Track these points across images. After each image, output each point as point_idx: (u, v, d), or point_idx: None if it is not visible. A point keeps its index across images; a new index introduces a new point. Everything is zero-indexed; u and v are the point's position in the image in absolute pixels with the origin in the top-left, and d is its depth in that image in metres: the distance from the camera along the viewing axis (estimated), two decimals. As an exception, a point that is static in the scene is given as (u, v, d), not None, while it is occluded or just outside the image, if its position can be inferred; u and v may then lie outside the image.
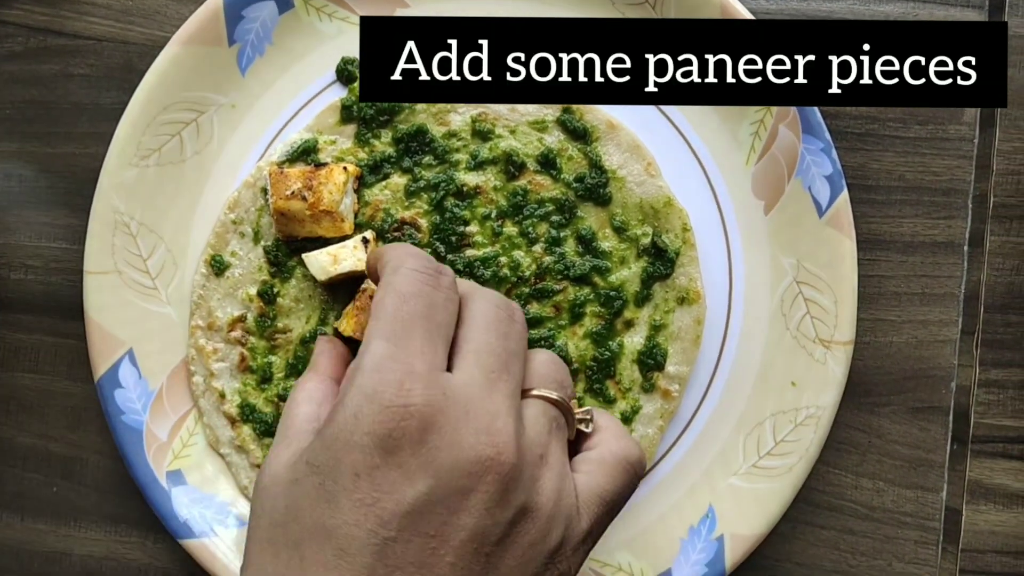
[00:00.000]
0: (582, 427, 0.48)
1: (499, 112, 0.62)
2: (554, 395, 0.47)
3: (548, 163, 0.61)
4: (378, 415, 0.41)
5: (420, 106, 0.62)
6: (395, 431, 0.41)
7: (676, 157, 0.62)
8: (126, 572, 0.64)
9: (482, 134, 0.62)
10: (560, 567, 0.44)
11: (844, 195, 0.59)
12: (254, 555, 0.43)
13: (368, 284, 0.59)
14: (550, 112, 0.62)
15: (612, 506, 0.47)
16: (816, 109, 0.59)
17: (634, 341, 0.61)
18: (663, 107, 0.62)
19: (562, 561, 0.44)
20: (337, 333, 0.60)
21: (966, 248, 0.63)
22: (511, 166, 0.61)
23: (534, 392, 0.47)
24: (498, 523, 0.41)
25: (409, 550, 0.40)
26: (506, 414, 0.43)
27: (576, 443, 0.49)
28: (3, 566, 0.65)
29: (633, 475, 0.47)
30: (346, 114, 0.62)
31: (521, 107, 0.62)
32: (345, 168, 0.60)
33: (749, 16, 0.60)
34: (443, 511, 0.41)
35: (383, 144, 0.62)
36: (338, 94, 0.63)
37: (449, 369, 0.45)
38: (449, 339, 0.46)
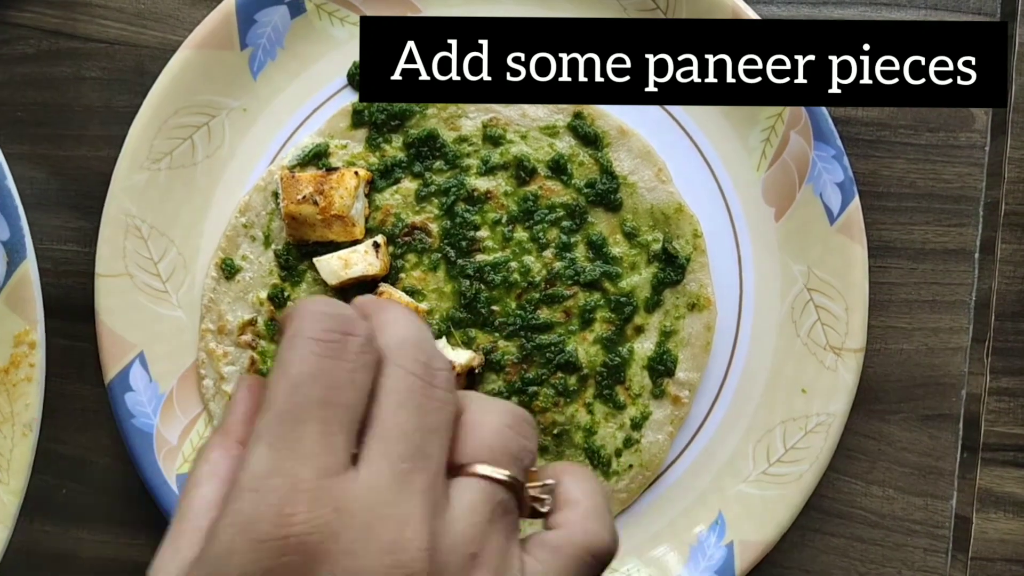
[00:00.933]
0: (538, 506, 0.39)
1: (510, 117, 0.62)
2: (500, 474, 0.37)
3: (559, 168, 0.61)
4: (252, 552, 0.33)
5: (431, 111, 0.62)
6: (274, 570, 0.33)
7: (687, 163, 0.62)
8: (134, 574, 0.64)
9: (493, 139, 0.62)
10: None
11: (855, 202, 0.59)
12: None
13: (383, 287, 0.59)
14: (561, 118, 0.62)
15: None
16: (827, 116, 0.59)
17: (644, 347, 0.61)
18: (674, 112, 0.62)
19: None
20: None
21: (977, 256, 0.63)
22: (522, 171, 0.61)
23: (475, 469, 0.37)
24: None
25: None
26: (419, 519, 0.34)
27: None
28: (12, 567, 0.65)
29: (596, 569, 0.38)
30: (357, 119, 0.62)
31: (532, 112, 0.62)
32: (356, 173, 0.60)
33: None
34: None
35: (394, 149, 0.62)
36: (349, 98, 0.63)
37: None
38: (356, 422, 0.36)
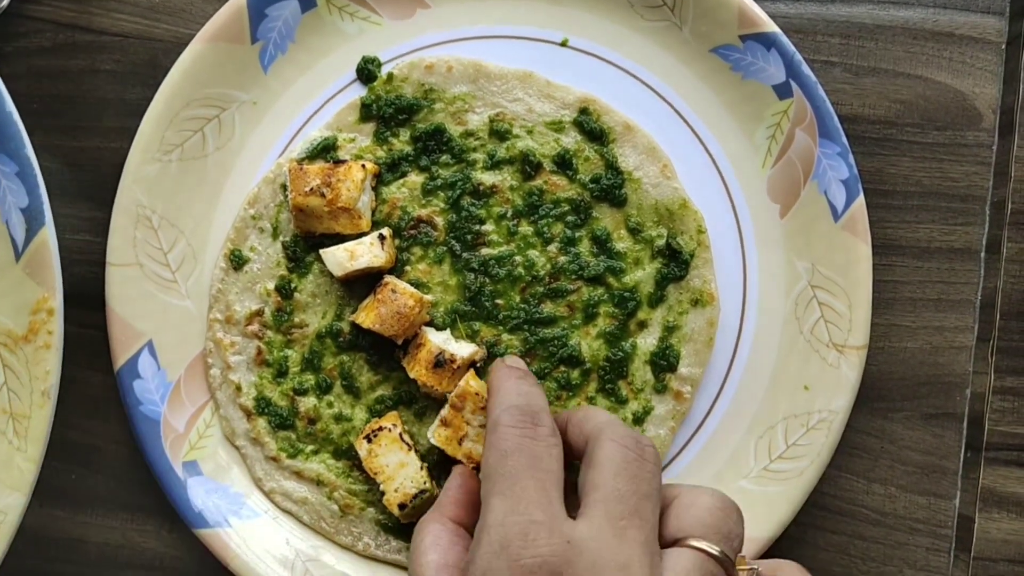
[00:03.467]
0: None
1: (516, 112, 0.62)
2: (714, 549, 0.43)
3: (564, 163, 0.62)
4: (508, 569, 0.42)
5: (438, 105, 0.62)
6: None
7: (692, 160, 0.62)
8: (141, 560, 0.65)
9: (499, 134, 0.62)
10: None
11: (860, 200, 0.59)
12: None
13: (388, 278, 0.60)
14: (567, 113, 0.62)
15: None
16: (833, 113, 0.59)
17: (647, 342, 0.61)
18: (680, 109, 0.62)
19: None
20: (355, 326, 0.60)
21: (983, 255, 0.62)
22: (527, 166, 0.62)
23: (689, 541, 0.44)
24: None
25: None
26: (638, 563, 0.42)
27: None
28: (21, 551, 0.66)
29: None
30: (365, 113, 0.63)
31: (538, 107, 0.62)
32: (363, 166, 0.60)
33: (767, 19, 0.60)
34: None
35: (401, 142, 0.62)
36: (358, 93, 0.63)
37: (575, 517, 0.44)
38: (560, 485, 0.46)
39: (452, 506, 0.52)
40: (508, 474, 0.45)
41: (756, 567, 0.45)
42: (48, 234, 0.55)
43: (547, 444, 0.47)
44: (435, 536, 0.49)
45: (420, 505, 0.58)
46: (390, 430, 0.59)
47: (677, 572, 0.42)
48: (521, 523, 0.43)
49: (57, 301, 0.55)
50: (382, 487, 0.59)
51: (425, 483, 0.59)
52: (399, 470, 0.58)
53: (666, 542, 0.44)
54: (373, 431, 0.59)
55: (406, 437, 0.59)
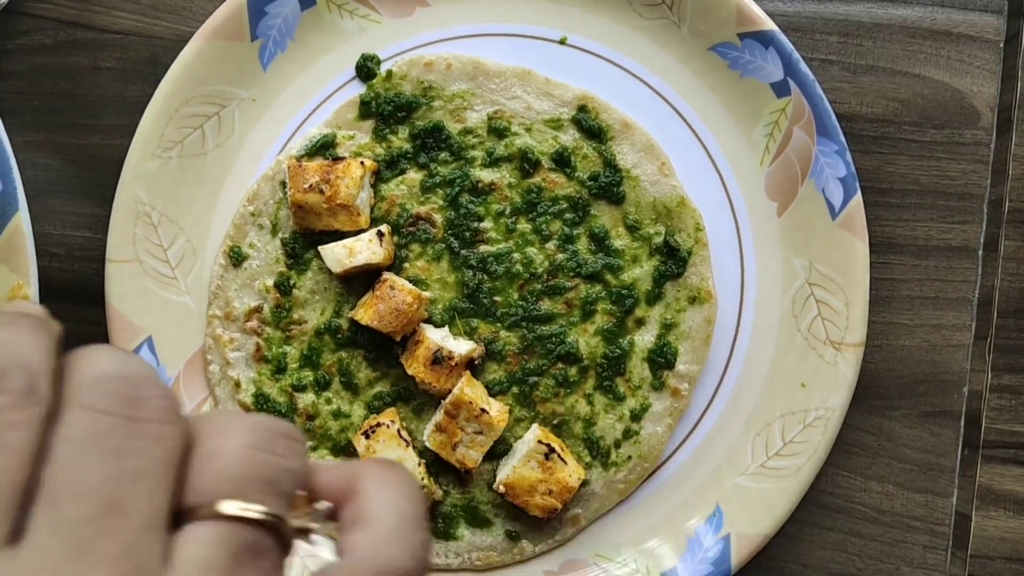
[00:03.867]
0: (306, 540, 0.31)
1: (515, 110, 0.62)
2: (251, 511, 0.29)
3: (563, 161, 0.62)
4: None
5: (437, 103, 0.63)
6: None
7: (690, 157, 0.62)
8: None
9: (498, 131, 0.62)
10: None
11: (857, 198, 0.59)
12: None
13: (387, 275, 0.60)
14: (566, 111, 0.62)
15: None
16: (831, 111, 0.59)
17: (645, 339, 0.61)
18: (678, 106, 0.62)
19: None
20: (354, 322, 0.61)
21: (980, 252, 0.62)
22: (526, 163, 0.62)
23: (210, 509, 0.29)
24: None
25: None
26: None
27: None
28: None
29: None
30: (364, 110, 0.63)
31: (536, 105, 0.62)
32: (362, 163, 0.60)
33: (765, 18, 0.60)
34: None
35: (400, 140, 0.63)
36: (357, 90, 0.63)
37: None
38: (14, 493, 0.27)
39: None
40: None
41: (320, 506, 0.32)
42: (22, 220, 0.55)
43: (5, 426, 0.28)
44: None
45: None
46: (388, 426, 0.59)
47: (190, 566, 0.28)
48: None
49: (32, 288, 0.55)
50: None
51: (423, 479, 0.59)
52: None
53: (183, 517, 0.29)
54: (371, 427, 0.59)
55: (404, 433, 0.59)
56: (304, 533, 0.31)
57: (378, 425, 0.59)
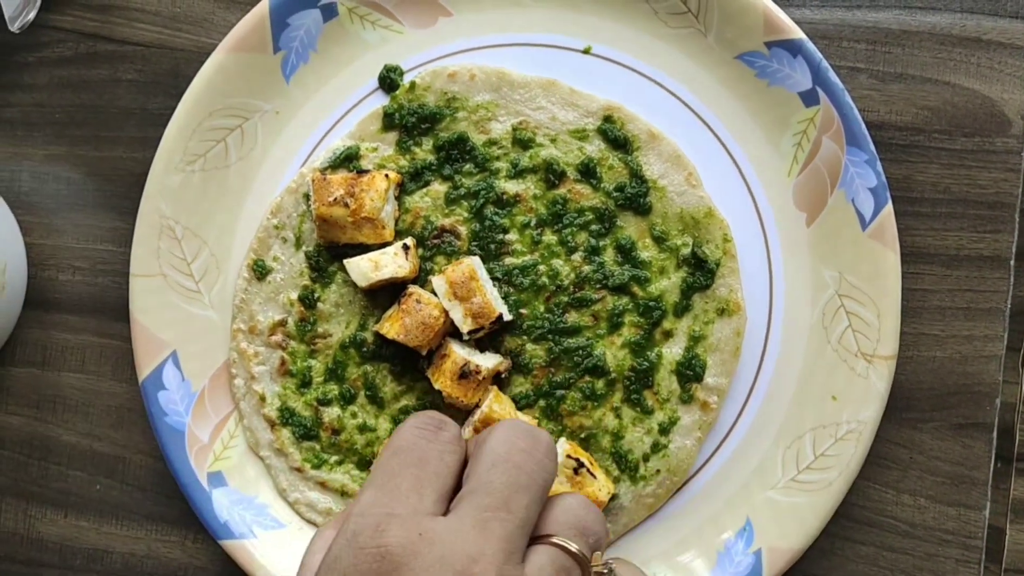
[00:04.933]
0: None
1: (540, 121, 0.62)
2: (572, 545, 0.44)
3: (588, 172, 0.61)
4: (353, 556, 0.41)
5: (461, 114, 0.62)
6: (367, 572, 0.41)
7: (717, 167, 0.61)
8: (165, 570, 0.65)
9: (523, 142, 0.62)
10: None
11: (888, 208, 0.58)
12: None
13: (412, 288, 0.59)
14: (591, 121, 0.62)
15: None
16: (860, 120, 0.59)
17: (673, 352, 0.61)
18: (704, 116, 0.62)
19: None
20: (379, 336, 0.60)
21: (1012, 262, 0.62)
22: (551, 175, 0.61)
23: (552, 539, 0.44)
24: None
25: None
26: (491, 556, 0.41)
27: None
28: (46, 561, 0.66)
29: None
30: (388, 122, 0.62)
31: (562, 116, 0.62)
32: (387, 175, 0.60)
33: (793, 26, 0.59)
34: None
35: (424, 152, 0.62)
36: (380, 102, 0.63)
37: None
38: (446, 488, 0.45)
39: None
40: (389, 469, 0.45)
41: (611, 563, 0.46)
42: None
43: (442, 448, 0.47)
44: (325, 540, 0.47)
45: None
46: None
47: (533, 566, 0.42)
48: (379, 515, 0.43)
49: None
50: None
51: None
52: None
53: (533, 539, 0.45)
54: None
55: None
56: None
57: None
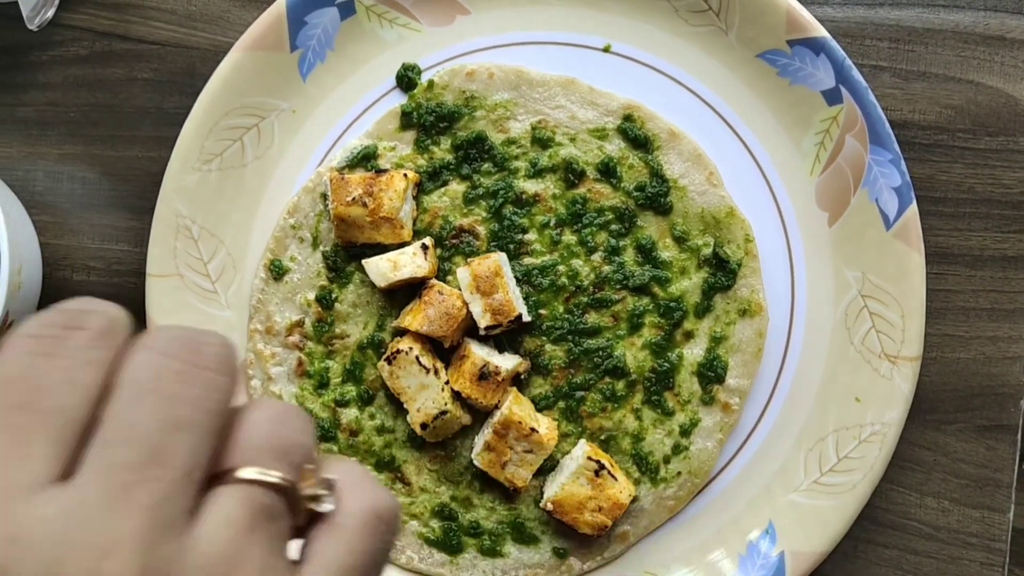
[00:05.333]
0: (316, 506, 0.33)
1: (559, 120, 0.61)
2: (271, 476, 0.31)
3: (608, 171, 0.61)
4: None
5: (480, 113, 0.62)
6: None
7: (738, 167, 0.61)
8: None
9: (542, 141, 0.61)
10: None
11: (913, 208, 0.58)
12: None
13: (433, 282, 0.59)
14: (611, 120, 0.61)
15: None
16: (885, 119, 0.58)
17: (694, 353, 0.60)
18: (725, 115, 0.61)
19: None
20: (399, 332, 0.60)
21: (1037, 263, 0.61)
22: (571, 174, 0.61)
23: (237, 474, 0.31)
24: None
25: None
26: (132, 546, 0.28)
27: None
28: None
29: (387, 531, 0.33)
30: (406, 121, 0.62)
31: (581, 115, 0.61)
32: (405, 174, 0.59)
33: (816, 24, 0.59)
34: None
35: (442, 151, 0.62)
36: (398, 100, 0.63)
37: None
38: (73, 430, 0.30)
39: None
40: None
41: (330, 476, 0.33)
42: None
43: (72, 363, 0.30)
44: None
45: (442, 426, 0.58)
46: (407, 353, 0.58)
47: (214, 522, 0.29)
48: None
49: None
50: (406, 406, 0.58)
51: (446, 404, 0.57)
52: (420, 392, 0.58)
53: (213, 479, 0.31)
54: (392, 353, 0.58)
55: (424, 360, 0.58)
56: (313, 500, 0.33)
57: (398, 352, 0.58)
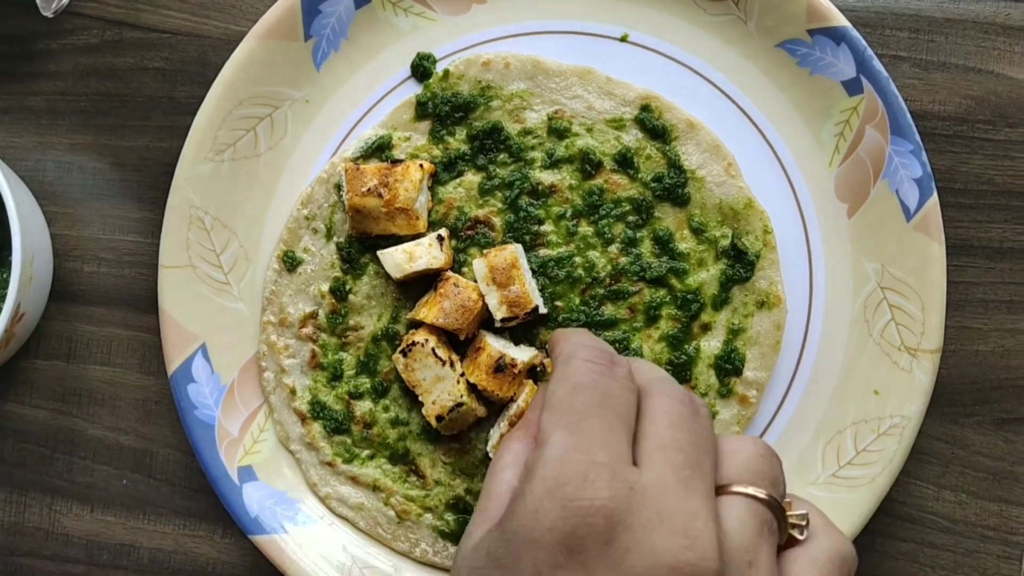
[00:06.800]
0: (795, 533, 0.42)
1: (576, 110, 0.61)
2: (762, 493, 0.41)
3: (625, 162, 0.60)
4: (561, 510, 0.38)
5: (495, 103, 0.61)
6: (579, 528, 0.37)
7: (757, 158, 0.60)
8: (194, 566, 0.64)
9: (558, 132, 0.61)
10: None
11: (934, 199, 0.57)
12: None
13: (448, 273, 0.58)
14: (628, 110, 0.61)
15: None
16: (906, 110, 0.57)
17: (711, 345, 0.60)
18: (743, 106, 0.61)
19: None
20: (414, 324, 0.59)
21: (1057, 255, 0.61)
22: (587, 165, 0.60)
23: (735, 488, 0.41)
24: None
25: None
26: (705, 516, 0.38)
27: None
28: (72, 557, 0.65)
29: (848, 574, 0.42)
30: (421, 111, 0.61)
31: (598, 105, 0.61)
32: (421, 165, 0.59)
33: (837, 13, 0.58)
34: None
35: (457, 141, 0.61)
36: (413, 90, 0.62)
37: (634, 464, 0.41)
38: (631, 432, 0.42)
39: (538, 423, 0.46)
40: (576, 409, 0.41)
41: (804, 511, 0.42)
42: None
43: (622, 386, 0.43)
44: (515, 455, 0.45)
45: (458, 418, 0.57)
46: (423, 345, 0.57)
47: (734, 520, 0.39)
48: (582, 462, 0.39)
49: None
50: (421, 399, 0.58)
51: (462, 396, 0.57)
52: (435, 384, 0.57)
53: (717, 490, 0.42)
54: (408, 345, 0.58)
55: (440, 352, 0.57)
56: (795, 528, 0.41)
57: (413, 344, 0.57)
